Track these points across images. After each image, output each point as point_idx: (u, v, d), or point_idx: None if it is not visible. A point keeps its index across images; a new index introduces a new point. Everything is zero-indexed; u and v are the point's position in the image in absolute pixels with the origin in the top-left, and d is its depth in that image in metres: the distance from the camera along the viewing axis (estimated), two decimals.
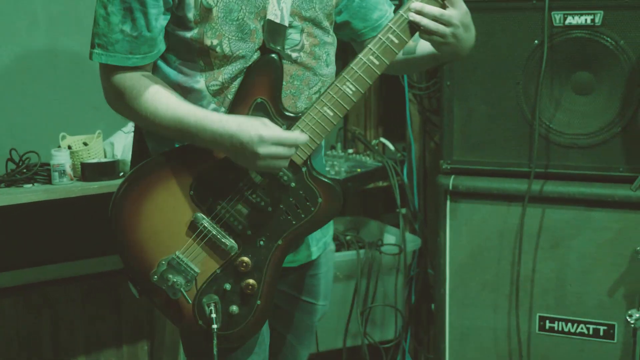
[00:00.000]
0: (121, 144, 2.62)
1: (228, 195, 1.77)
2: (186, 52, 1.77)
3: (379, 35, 1.74)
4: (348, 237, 3.05)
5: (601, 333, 2.62)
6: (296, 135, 1.71)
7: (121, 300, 2.77)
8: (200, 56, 1.75)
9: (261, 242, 1.79)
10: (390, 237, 3.05)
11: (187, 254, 1.77)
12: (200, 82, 1.77)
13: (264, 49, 1.77)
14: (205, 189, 1.77)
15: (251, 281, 1.78)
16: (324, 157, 2.07)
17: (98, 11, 1.73)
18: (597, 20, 2.53)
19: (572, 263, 2.64)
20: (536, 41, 2.59)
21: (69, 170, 2.52)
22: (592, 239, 2.62)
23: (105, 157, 2.61)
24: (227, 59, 1.75)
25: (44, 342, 2.66)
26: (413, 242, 3.06)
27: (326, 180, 1.81)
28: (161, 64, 1.80)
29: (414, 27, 1.74)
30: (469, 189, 2.73)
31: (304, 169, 1.78)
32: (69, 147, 2.56)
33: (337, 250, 2.99)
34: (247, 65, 1.76)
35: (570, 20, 2.56)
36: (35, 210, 2.50)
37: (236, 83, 1.77)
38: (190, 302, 1.78)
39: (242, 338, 1.84)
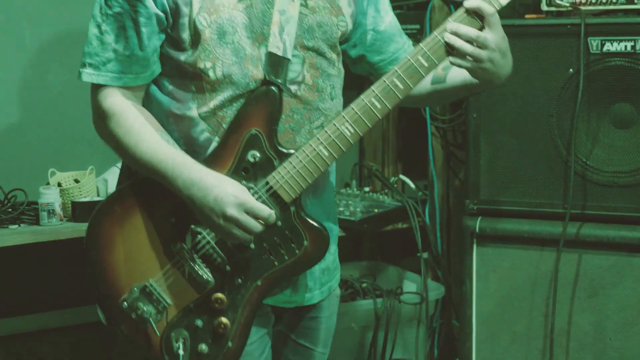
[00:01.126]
0: (115, 181, 2.61)
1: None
2: (179, 77, 1.81)
3: (383, 78, 1.77)
4: (364, 285, 3.04)
5: None
6: (269, 212, 1.73)
7: (112, 352, 2.77)
8: (192, 80, 1.80)
9: (239, 280, 1.80)
10: (410, 285, 3.05)
11: (161, 282, 1.80)
12: (192, 108, 1.80)
13: (264, 81, 1.80)
14: (188, 217, 1.78)
15: (224, 320, 1.79)
16: (338, 194, 2.06)
17: (91, 30, 1.78)
18: (638, 47, 2.54)
19: (612, 314, 2.63)
20: (571, 70, 2.59)
21: (58, 209, 2.53)
22: (635, 288, 2.60)
23: (99, 195, 2.63)
24: (218, 84, 1.79)
25: None
26: (436, 290, 3.05)
27: (314, 223, 1.82)
28: (154, 91, 1.85)
29: (445, 51, 1.75)
30: (498, 232, 2.73)
31: (292, 208, 1.80)
32: (59, 185, 2.58)
33: (352, 298, 2.98)
34: (238, 92, 1.79)
35: (608, 46, 2.57)
36: (22, 253, 2.51)
37: (228, 111, 1.80)
38: (159, 334, 1.80)
39: None
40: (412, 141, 3.19)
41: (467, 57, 1.75)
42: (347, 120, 1.77)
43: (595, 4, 2.60)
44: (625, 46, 2.55)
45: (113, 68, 1.78)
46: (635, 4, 2.60)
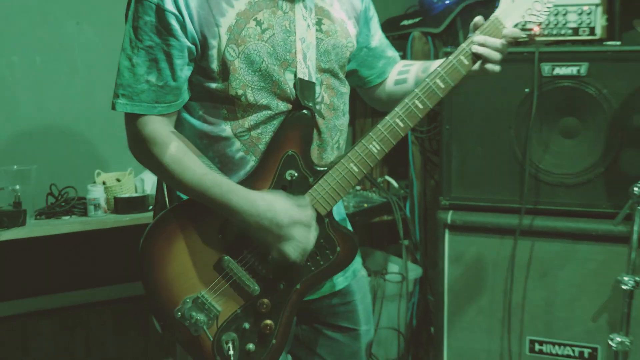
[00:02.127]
0: (151, 180, 2.63)
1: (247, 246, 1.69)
2: (210, 101, 1.68)
3: (405, 100, 1.71)
4: (365, 273, 3.02)
5: (586, 355, 2.61)
6: (310, 214, 1.65)
7: (149, 322, 2.76)
8: (223, 104, 1.67)
9: (281, 286, 1.71)
10: (393, 266, 3.04)
11: (212, 293, 1.68)
12: (226, 130, 1.68)
13: (296, 105, 1.69)
14: (233, 233, 1.68)
15: (269, 322, 1.71)
16: None
17: (122, 63, 1.64)
18: (582, 71, 2.54)
19: (559, 291, 2.63)
20: (527, 89, 2.59)
21: (103, 203, 2.53)
22: (578, 270, 2.61)
23: (136, 192, 2.62)
24: (250, 107, 1.66)
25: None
26: (414, 271, 3.05)
27: (345, 232, 1.75)
28: (185, 115, 1.71)
29: (467, 65, 1.74)
30: (466, 223, 2.72)
31: (326, 220, 1.71)
32: (104, 183, 2.57)
33: None
34: (270, 113, 1.68)
35: (558, 70, 2.57)
36: (73, 239, 2.51)
37: (262, 130, 1.69)
38: (211, 339, 1.70)
39: None
40: (395, 148, 3.23)
41: (494, 62, 1.74)
42: (374, 139, 1.69)
43: (547, 35, 2.61)
44: (572, 70, 2.55)
45: (147, 98, 1.63)
46: (580, 35, 2.61)
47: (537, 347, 2.66)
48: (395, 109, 1.70)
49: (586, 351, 2.61)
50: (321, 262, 1.72)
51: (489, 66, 1.75)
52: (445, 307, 2.77)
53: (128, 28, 1.64)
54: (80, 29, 2.63)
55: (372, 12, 1.94)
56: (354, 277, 1.93)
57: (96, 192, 2.52)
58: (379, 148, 1.69)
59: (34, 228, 2.38)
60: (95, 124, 2.70)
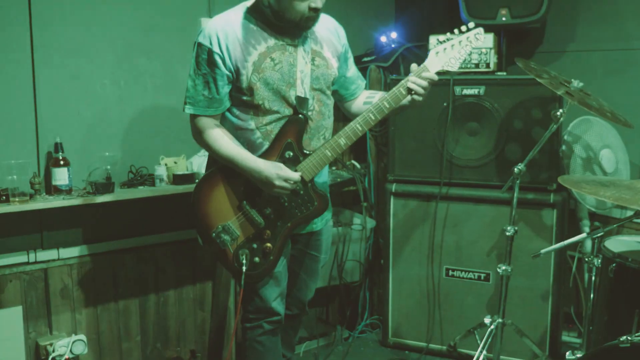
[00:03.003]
0: (197, 163, 2.59)
1: (264, 192, 1.78)
2: (242, 107, 1.79)
3: (364, 113, 1.75)
4: (332, 223, 2.96)
5: (482, 278, 2.64)
6: (295, 175, 1.73)
7: (197, 257, 2.72)
8: (251, 109, 1.78)
9: (278, 223, 1.80)
10: (357, 220, 3.01)
11: (234, 223, 1.79)
12: (251, 124, 1.79)
13: (295, 112, 1.78)
14: (250, 188, 1.78)
15: (269, 245, 1.80)
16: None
17: (189, 82, 1.77)
18: (480, 92, 2.57)
19: (465, 236, 2.67)
20: (445, 103, 2.61)
21: (165, 178, 2.51)
22: (478, 222, 2.64)
23: (187, 170, 2.58)
24: (267, 112, 1.77)
25: (149, 282, 2.63)
26: (370, 223, 3.03)
27: (321, 192, 1.82)
28: (228, 115, 1.82)
29: (404, 95, 1.75)
30: (404, 192, 2.75)
31: (309, 184, 1.79)
32: (166, 164, 2.54)
33: None
34: (280, 115, 1.77)
35: (465, 91, 2.60)
36: (145, 202, 2.49)
37: (274, 125, 1.78)
38: (232, 251, 1.80)
39: (260, 276, 1.85)
40: (357, 142, 3.21)
41: (420, 95, 1.75)
42: (342, 136, 1.75)
43: (459, 68, 2.61)
44: (474, 91, 2.58)
45: (203, 105, 1.76)
46: (480, 68, 2.62)
47: (450, 272, 2.70)
48: (357, 118, 1.78)
49: (483, 275, 2.64)
50: (304, 211, 1.80)
51: (416, 97, 1.78)
52: (390, 246, 2.80)
53: (192, 61, 1.76)
54: (150, 61, 2.57)
55: (349, 54, 1.99)
56: (326, 224, 2.01)
57: (161, 170, 2.50)
58: (344, 142, 1.77)
59: (120, 194, 2.38)
60: (161, 124, 2.64)
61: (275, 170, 1.71)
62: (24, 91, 2.31)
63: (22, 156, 2.28)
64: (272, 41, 1.75)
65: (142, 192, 2.43)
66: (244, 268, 1.79)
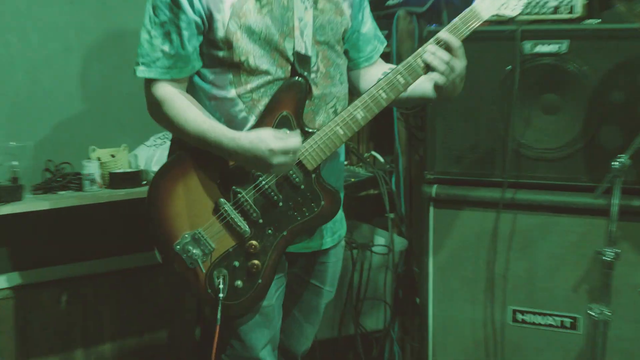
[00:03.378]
0: (144, 156, 2.64)
1: (249, 187, 1.82)
2: (218, 67, 1.83)
3: (390, 75, 1.83)
4: (345, 243, 3.05)
5: (567, 324, 2.59)
6: (295, 141, 1.75)
7: (143, 294, 2.79)
8: (230, 69, 1.81)
9: (269, 231, 1.84)
10: (380, 239, 3.03)
11: (208, 231, 1.82)
12: (231, 92, 1.82)
13: (293, 73, 1.84)
14: (231, 180, 1.82)
15: (256, 262, 1.84)
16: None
17: (142, 36, 1.81)
18: (563, 48, 2.50)
19: (540, 262, 2.61)
20: (509, 67, 2.55)
21: (98, 179, 2.55)
22: (558, 242, 2.58)
23: (130, 167, 2.64)
24: (252, 72, 1.80)
25: (74, 331, 2.68)
26: (400, 243, 3.04)
27: (330, 188, 1.87)
28: (198, 80, 1.86)
29: (423, 68, 1.83)
30: (450, 197, 2.69)
31: (313, 175, 1.84)
32: (98, 159, 2.58)
33: None
34: (269, 78, 1.82)
35: (539, 48, 2.53)
36: (69, 213, 2.50)
37: (262, 93, 1.82)
38: (204, 271, 1.83)
39: (244, 309, 1.90)
40: (381, 124, 3.18)
41: (439, 74, 1.81)
42: (360, 107, 1.82)
43: (528, 14, 2.56)
44: (553, 48, 2.51)
45: (161, 65, 1.80)
46: (560, 14, 2.58)
47: (519, 316, 2.64)
48: (380, 81, 1.83)
49: (567, 320, 2.58)
50: (306, 213, 1.85)
51: (437, 77, 1.83)
52: (430, 278, 2.75)
53: (148, 7, 1.81)
54: (75, 9, 2.62)
55: (366, 3, 2.07)
56: (338, 241, 2.10)
57: (91, 168, 2.53)
58: (362, 115, 1.82)
59: (31, 203, 2.40)
60: (91, 102, 2.69)
61: (265, 146, 1.73)
62: None
63: None
64: None
65: (64, 199, 2.44)
66: (220, 295, 1.83)
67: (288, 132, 1.79)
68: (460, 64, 1.82)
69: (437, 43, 1.80)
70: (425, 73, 1.82)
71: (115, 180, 2.53)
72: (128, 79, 1.89)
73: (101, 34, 2.66)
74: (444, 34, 1.80)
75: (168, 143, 2.59)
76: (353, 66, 2.08)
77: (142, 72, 1.81)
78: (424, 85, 1.89)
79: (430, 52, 1.80)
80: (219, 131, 1.77)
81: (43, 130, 2.59)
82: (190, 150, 1.85)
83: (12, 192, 2.34)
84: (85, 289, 2.64)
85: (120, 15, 2.66)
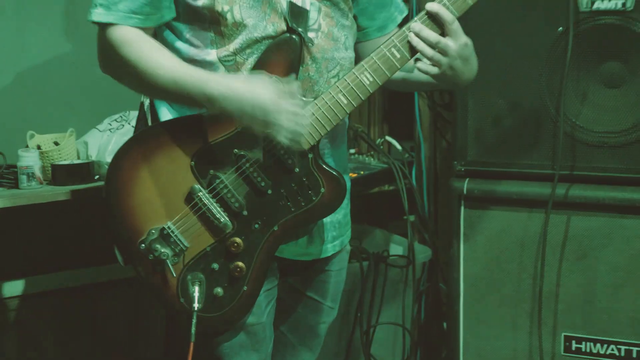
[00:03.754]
0: (96, 143, 2.63)
1: (229, 170, 1.83)
2: (197, 22, 1.84)
3: (404, 28, 1.82)
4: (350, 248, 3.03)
5: (634, 355, 2.60)
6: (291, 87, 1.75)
7: (96, 317, 2.78)
8: (211, 25, 1.83)
9: (256, 226, 1.85)
10: (397, 248, 3.05)
11: (179, 225, 1.84)
12: (211, 53, 1.85)
13: (288, 30, 1.84)
14: (207, 161, 1.83)
15: (240, 264, 1.84)
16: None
17: None
18: (628, 4, 2.50)
19: (601, 276, 2.62)
20: (560, 28, 2.56)
21: (38, 172, 2.53)
22: (625, 250, 2.59)
23: (79, 158, 2.62)
24: (236, 27, 1.82)
25: None
26: (423, 253, 3.05)
27: (332, 171, 1.87)
28: (172, 38, 1.89)
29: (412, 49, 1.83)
30: (486, 194, 2.71)
31: (310, 155, 1.84)
32: (38, 147, 2.57)
33: None
34: (257, 35, 1.83)
35: (598, 4, 2.53)
36: (3, 217, 2.49)
37: (248, 57, 1.84)
38: (175, 275, 1.84)
39: (226, 324, 1.91)
40: (398, 102, 3.18)
41: (422, 62, 1.82)
42: (366, 69, 1.81)
43: None
44: (616, 4, 2.51)
45: (124, 8, 1.79)
46: None
47: (574, 345, 2.66)
48: (392, 37, 1.82)
49: (635, 350, 2.60)
50: (302, 203, 1.85)
51: (420, 65, 1.84)
52: (461, 296, 2.77)
53: None
54: None
55: None
56: (340, 248, 2.11)
57: (29, 159, 2.51)
58: (371, 79, 1.83)
59: None
60: (27, 77, 2.68)
61: (278, 97, 1.72)
62: None
63: None
64: None
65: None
66: (195, 306, 1.83)
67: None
68: (454, 44, 1.80)
69: (425, 18, 1.80)
70: (412, 57, 1.83)
71: (60, 174, 2.52)
72: (75, 44, 1.91)
73: None
74: (433, 5, 1.79)
75: (127, 126, 2.60)
76: (362, 37, 2.10)
77: (98, 15, 1.81)
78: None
79: (415, 31, 1.80)
80: (202, 73, 1.78)
81: None
82: (157, 125, 1.89)
83: None
84: (21, 312, 2.65)
85: None
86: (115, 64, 1.83)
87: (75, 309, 2.75)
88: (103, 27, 1.82)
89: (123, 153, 1.87)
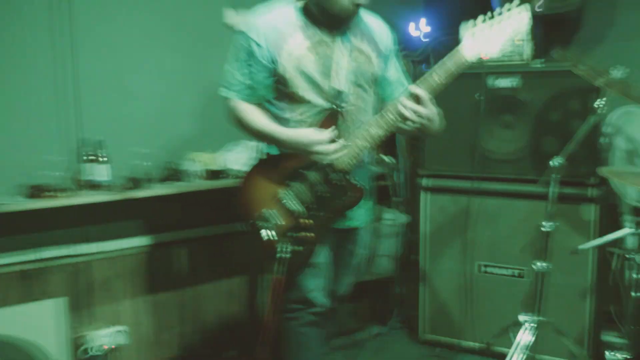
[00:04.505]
0: (230, 158, 2.59)
1: (302, 181, 1.78)
2: (280, 95, 1.80)
3: (388, 107, 1.73)
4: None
5: (517, 275, 2.58)
6: (325, 135, 1.70)
7: (233, 251, 2.73)
8: (286, 98, 1.79)
9: (319, 213, 1.78)
10: (389, 215, 3.00)
11: (277, 210, 1.78)
12: (286, 114, 1.80)
13: (331, 102, 1.77)
14: (294, 177, 1.78)
15: (309, 234, 1.79)
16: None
17: (226, 67, 1.80)
18: (515, 84, 2.49)
19: (500, 231, 2.60)
20: (478, 95, 2.54)
21: (200, 173, 2.52)
22: (513, 218, 2.57)
23: (221, 167, 2.58)
24: (300, 101, 1.77)
25: (185, 275, 2.64)
26: (403, 219, 3.01)
27: (356, 183, 1.80)
28: (267, 105, 1.83)
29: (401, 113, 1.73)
30: (436, 186, 2.70)
31: (347, 176, 1.78)
32: (199, 161, 2.55)
33: None
34: (313, 105, 1.77)
35: (498, 82, 2.53)
36: (181, 197, 2.48)
37: (307, 115, 1.78)
38: (273, 239, 1.77)
39: (301, 265, 1.83)
40: (389, 137, 3.20)
41: (408, 121, 1.70)
42: (374, 125, 1.73)
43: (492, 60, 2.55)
44: (508, 82, 2.50)
45: (236, 89, 1.79)
46: (514, 58, 2.54)
47: (483, 269, 2.63)
48: (389, 105, 1.72)
49: (517, 272, 2.57)
50: (338, 200, 1.78)
51: (411, 125, 1.71)
52: (422, 242, 2.75)
53: (232, 47, 1.80)
54: (179, 57, 2.56)
55: (394, 59, 1.96)
56: (366, 223, 1.99)
57: (195, 166, 2.51)
58: (379, 132, 1.73)
59: (158, 189, 2.39)
60: (194, 121, 2.64)
61: (311, 136, 1.71)
62: (63, 87, 2.33)
63: (63, 152, 2.31)
64: (311, 32, 1.77)
65: (177, 187, 2.44)
66: (285, 255, 1.75)
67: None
68: (425, 111, 1.68)
69: (409, 95, 1.69)
70: (399, 123, 1.72)
71: (210, 175, 2.52)
72: (219, 104, 1.87)
73: (192, 60, 2.55)
74: (414, 88, 1.68)
75: (238, 148, 2.58)
76: (382, 99, 1.99)
77: (223, 92, 1.80)
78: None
79: (402, 104, 1.69)
80: (277, 128, 1.76)
81: (165, 140, 2.54)
82: (264, 158, 1.85)
83: (144, 182, 2.34)
84: (191, 246, 2.60)
85: (210, 60, 2.57)
86: (233, 120, 1.81)
87: (218, 245, 2.70)
88: (226, 99, 1.80)
89: (247, 172, 1.84)
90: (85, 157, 2.31)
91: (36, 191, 2.21)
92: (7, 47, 2.20)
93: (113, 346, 2.38)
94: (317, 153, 1.72)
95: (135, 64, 2.49)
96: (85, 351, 2.36)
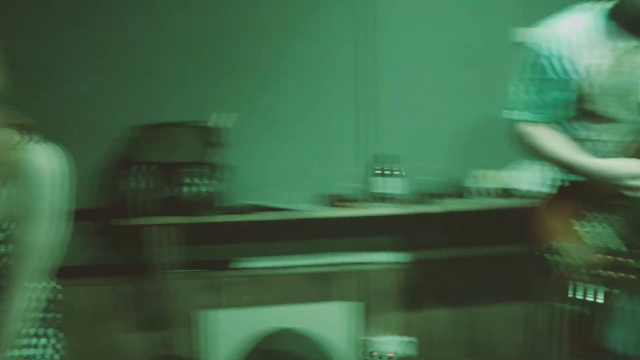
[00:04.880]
0: (516, 177, 2.52)
1: (607, 213, 1.61)
2: (577, 114, 1.67)
3: None
4: None
5: None
6: (636, 168, 1.55)
7: (523, 274, 2.45)
8: (584, 116, 1.65)
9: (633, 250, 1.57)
10: None
11: (567, 245, 1.62)
12: (581, 133, 1.67)
13: (636, 121, 1.62)
14: (589, 206, 1.64)
15: (630, 275, 1.58)
16: None
17: (511, 87, 1.72)
18: None
19: None
20: None
21: (488, 191, 2.49)
22: None
23: (505, 185, 2.50)
24: (600, 119, 1.63)
25: (474, 294, 2.61)
26: None
27: None
28: (565, 124, 1.70)
29: None
30: None
31: None
32: (485, 177, 2.53)
33: None
34: (614, 124, 1.62)
35: None
36: (467, 214, 2.48)
37: (606, 136, 1.64)
38: (571, 274, 1.60)
39: (602, 312, 1.63)
40: None
41: None
42: None
43: None
44: None
45: (523, 108, 1.69)
46: None
47: None
48: None
49: None
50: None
51: None
52: None
53: (518, 65, 1.71)
54: (470, 74, 2.59)
55: None
56: None
57: (482, 182, 2.49)
58: None
59: (452, 205, 2.40)
60: (482, 137, 2.60)
61: (619, 168, 1.56)
62: (364, 107, 2.54)
63: (359, 166, 2.52)
64: (616, 41, 1.62)
65: (465, 204, 2.43)
66: (590, 297, 1.59)
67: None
68: None
69: None
70: None
71: (502, 193, 2.44)
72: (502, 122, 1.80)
73: (489, 90, 2.54)
74: None
75: (524, 167, 2.46)
76: None
77: (507, 113, 1.73)
78: None
79: None
80: (579, 157, 1.62)
81: (454, 157, 2.57)
82: (564, 185, 1.71)
83: (431, 197, 2.40)
84: (479, 264, 2.56)
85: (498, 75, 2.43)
86: (521, 145, 1.72)
87: (506, 269, 2.58)
88: (513, 122, 1.71)
89: (545, 200, 1.72)
90: (377, 171, 2.47)
91: (336, 201, 2.42)
92: (316, 73, 2.50)
93: (399, 355, 2.45)
94: (631, 188, 1.56)
95: (429, 83, 2.60)
96: (371, 354, 2.47)
